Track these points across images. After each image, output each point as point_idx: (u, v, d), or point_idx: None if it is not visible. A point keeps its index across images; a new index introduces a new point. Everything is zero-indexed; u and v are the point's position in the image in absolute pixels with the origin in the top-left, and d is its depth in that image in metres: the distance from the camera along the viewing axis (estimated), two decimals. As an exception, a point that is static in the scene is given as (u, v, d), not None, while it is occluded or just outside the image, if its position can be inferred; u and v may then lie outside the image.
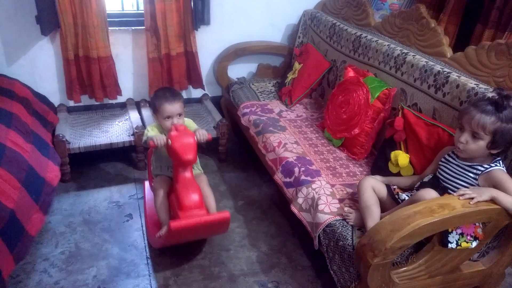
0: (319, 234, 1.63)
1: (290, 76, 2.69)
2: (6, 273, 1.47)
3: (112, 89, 2.58)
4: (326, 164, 1.97)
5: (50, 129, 2.29)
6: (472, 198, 1.31)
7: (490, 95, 1.52)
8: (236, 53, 2.83)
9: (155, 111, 1.79)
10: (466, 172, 1.45)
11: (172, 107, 1.74)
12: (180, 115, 1.78)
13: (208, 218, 1.61)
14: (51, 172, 1.92)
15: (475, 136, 1.39)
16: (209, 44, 2.80)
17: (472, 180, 1.44)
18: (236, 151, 2.82)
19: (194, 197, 1.64)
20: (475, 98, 1.58)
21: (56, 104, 2.58)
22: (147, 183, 2.20)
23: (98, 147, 2.33)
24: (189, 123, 1.87)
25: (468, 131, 1.40)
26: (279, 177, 1.99)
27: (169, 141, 1.63)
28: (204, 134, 1.74)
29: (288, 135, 2.20)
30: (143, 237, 2.00)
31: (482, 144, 1.38)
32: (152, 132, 1.79)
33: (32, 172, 1.78)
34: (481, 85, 1.62)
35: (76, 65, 2.45)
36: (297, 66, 2.67)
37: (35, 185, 1.76)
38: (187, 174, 1.68)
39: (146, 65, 2.61)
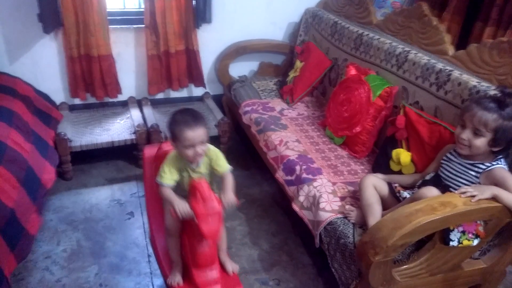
0: (320, 232, 1.63)
1: (291, 75, 2.69)
2: (8, 271, 1.47)
3: (113, 88, 2.59)
4: (328, 162, 1.97)
5: (54, 126, 2.29)
6: (474, 196, 1.31)
7: (492, 93, 1.52)
8: (238, 51, 2.83)
9: (174, 139, 1.45)
10: (468, 170, 1.45)
11: (195, 133, 1.41)
12: (203, 142, 1.45)
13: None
14: (47, 173, 1.93)
15: (476, 133, 1.39)
16: (210, 42, 2.80)
17: (474, 178, 1.43)
18: (238, 149, 2.82)
19: (210, 253, 1.47)
20: (477, 96, 1.58)
21: (57, 103, 2.58)
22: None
23: (100, 145, 2.34)
24: (217, 156, 1.55)
25: (469, 128, 1.40)
26: (280, 175, 1.99)
27: (194, 218, 1.38)
28: (231, 200, 1.46)
29: (289, 133, 2.20)
30: (145, 235, 2.01)
31: (483, 141, 1.38)
32: (169, 177, 1.48)
33: (31, 172, 1.79)
34: (483, 83, 1.61)
35: (78, 63, 2.45)
36: (298, 64, 2.67)
37: (32, 185, 1.77)
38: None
39: (146, 63, 2.62)
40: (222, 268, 1.56)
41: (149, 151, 1.80)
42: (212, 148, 1.55)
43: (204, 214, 1.36)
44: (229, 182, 1.51)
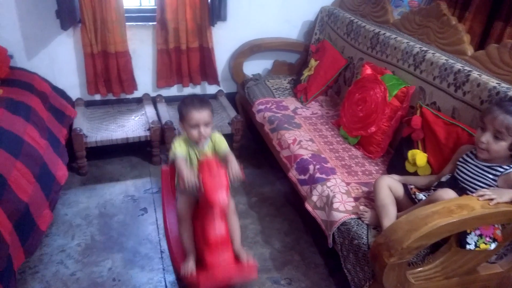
0: (333, 232, 1.62)
1: (305, 73, 2.68)
2: (16, 265, 1.49)
3: (129, 84, 2.61)
4: (342, 162, 1.96)
5: (67, 124, 2.32)
6: (492, 199, 1.28)
7: (512, 94, 1.50)
8: (252, 49, 2.83)
9: (182, 118, 1.64)
10: (485, 173, 1.42)
11: (200, 114, 1.58)
12: (207, 124, 1.62)
13: (237, 275, 1.53)
14: (60, 170, 1.95)
15: (497, 136, 1.36)
16: (225, 40, 2.80)
17: (491, 181, 1.41)
18: (250, 147, 2.82)
19: (221, 232, 1.51)
20: (496, 97, 1.55)
21: (73, 99, 2.62)
22: (166, 199, 1.98)
23: (115, 141, 2.36)
24: (220, 140, 1.70)
25: (490, 131, 1.37)
26: (293, 174, 1.98)
27: (200, 180, 1.47)
28: (237, 172, 1.54)
29: (303, 132, 2.19)
30: (158, 231, 2.02)
31: (504, 145, 1.36)
32: (179, 149, 1.63)
33: (46, 168, 1.81)
34: (503, 84, 1.58)
35: (95, 60, 2.48)
36: (313, 63, 2.65)
37: (47, 181, 1.79)
38: (216, 210, 1.54)
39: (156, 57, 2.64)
40: (237, 258, 1.58)
41: (166, 170, 2.00)
42: (217, 134, 1.70)
43: (212, 183, 1.44)
44: (233, 159, 1.60)
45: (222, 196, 1.44)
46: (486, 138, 1.38)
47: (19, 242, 1.53)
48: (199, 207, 1.63)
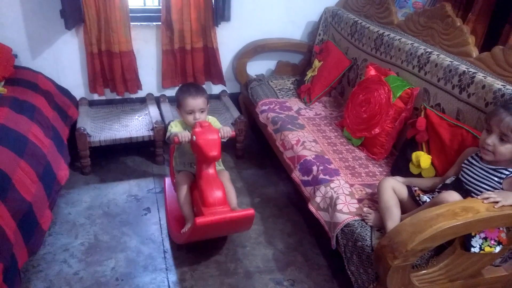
0: (337, 234, 1.62)
1: (309, 74, 2.67)
2: (20, 264, 1.49)
3: (133, 83, 2.62)
4: (345, 164, 1.96)
5: (69, 123, 2.32)
6: (497, 202, 1.28)
7: (518, 96, 1.49)
8: (256, 49, 2.82)
9: (179, 105, 1.80)
10: (490, 176, 1.42)
11: (195, 101, 1.75)
12: (202, 111, 1.78)
13: (233, 215, 1.60)
14: (62, 170, 1.96)
15: (503, 139, 1.35)
16: (229, 40, 2.80)
17: (496, 184, 1.40)
18: (254, 148, 2.81)
19: (218, 193, 1.64)
20: (501, 99, 1.54)
21: (78, 98, 2.62)
22: (167, 179, 2.23)
23: (118, 140, 2.36)
24: (213, 121, 1.87)
25: (496, 133, 1.37)
26: (297, 175, 1.98)
27: (194, 137, 1.64)
28: (228, 131, 1.75)
29: (306, 133, 2.18)
30: (161, 231, 2.02)
31: (509, 147, 1.35)
32: (175, 128, 1.81)
33: (49, 168, 1.82)
34: (508, 86, 1.57)
35: (98, 59, 2.48)
36: (316, 63, 2.65)
37: (49, 181, 1.79)
38: (211, 171, 1.69)
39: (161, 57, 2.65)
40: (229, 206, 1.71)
41: (168, 180, 2.21)
42: (211, 117, 1.88)
43: (204, 136, 1.62)
44: (226, 127, 1.78)
45: (214, 146, 1.61)
46: (492, 140, 1.37)
47: (23, 241, 1.53)
48: (196, 175, 1.79)
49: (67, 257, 1.84)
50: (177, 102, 1.82)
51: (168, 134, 1.80)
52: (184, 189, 1.80)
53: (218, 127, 1.80)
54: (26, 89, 2.13)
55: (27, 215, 1.56)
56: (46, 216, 1.71)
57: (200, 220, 1.54)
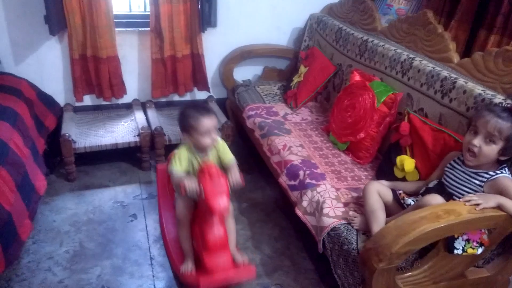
0: (323, 238, 1.63)
1: (295, 79, 2.70)
2: None
3: (119, 88, 2.60)
4: (331, 168, 1.97)
5: (45, 134, 2.27)
6: (478, 204, 1.31)
7: (497, 101, 1.53)
8: (242, 55, 2.84)
9: (190, 129, 1.59)
10: (471, 179, 1.45)
11: (211, 120, 1.59)
12: (216, 129, 1.64)
13: (236, 276, 1.61)
14: (39, 180, 1.93)
15: (489, 140, 1.39)
16: (215, 46, 2.81)
17: (477, 187, 1.43)
18: (241, 153, 2.81)
19: (220, 236, 1.56)
20: (482, 104, 1.58)
21: (62, 104, 2.59)
22: (162, 202, 2.08)
23: (104, 147, 2.34)
24: (224, 147, 1.71)
25: (482, 134, 1.40)
26: (283, 180, 1.99)
27: (200, 189, 1.50)
28: (237, 179, 1.60)
29: (293, 138, 2.20)
30: (147, 237, 2.01)
31: (495, 148, 1.38)
32: (179, 167, 1.61)
33: (27, 178, 1.79)
34: (488, 91, 1.62)
35: (83, 65, 2.46)
36: (302, 69, 2.67)
37: (27, 191, 1.77)
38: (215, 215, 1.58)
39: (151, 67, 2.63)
40: (233, 259, 1.64)
41: (162, 168, 2.04)
42: (221, 141, 1.70)
43: (212, 189, 1.48)
44: (235, 167, 1.66)
45: (222, 203, 1.48)
46: (478, 141, 1.40)
47: (1, 251, 1.50)
48: (198, 210, 1.66)
49: (52, 265, 1.81)
50: (185, 127, 1.61)
51: (170, 168, 1.62)
52: (185, 225, 1.68)
53: (228, 158, 1.69)
54: (9, 95, 2.10)
55: (6, 225, 1.53)
56: (25, 226, 1.68)
57: (204, 282, 1.53)
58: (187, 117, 1.60)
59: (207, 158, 1.66)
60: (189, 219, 1.69)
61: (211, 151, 1.67)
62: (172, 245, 1.85)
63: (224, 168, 1.68)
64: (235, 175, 1.61)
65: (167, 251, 1.89)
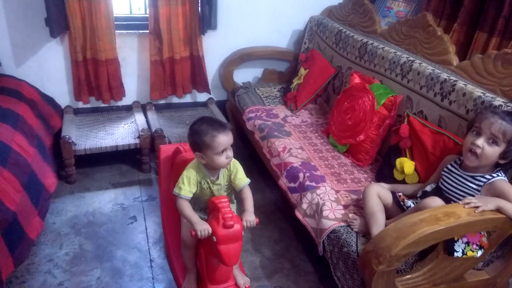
0: (323, 240, 1.63)
1: (295, 82, 2.70)
2: (5, 275, 1.47)
3: (118, 91, 2.61)
4: (331, 170, 1.98)
5: (51, 133, 2.30)
6: (478, 207, 1.31)
7: (496, 104, 1.53)
8: (242, 58, 2.85)
9: (203, 147, 1.43)
10: (468, 183, 1.45)
11: (228, 136, 1.44)
12: (232, 145, 1.49)
13: None
14: (49, 178, 1.94)
15: (492, 141, 1.39)
16: (215, 49, 2.82)
17: (474, 191, 1.43)
18: (241, 155, 2.81)
19: (226, 272, 1.54)
20: (481, 106, 1.58)
21: (62, 106, 2.60)
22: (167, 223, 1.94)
23: (104, 149, 2.34)
24: (237, 168, 1.56)
25: (486, 136, 1.40)
26: (283, 182, 1.99)
27: (214, 238, 1.39)
28: (252, 221, 1.46)
29: (293, 140, 2.20)
30: (147, 240, 2.01)
31: (497, 150, 1.38)
32: (187, 189, 1.47)
33: (33, 177, 1.80)
34: (487, 94, 1.62)
35: (84, 67, 2.47)
36: (302, 71, 2.68)
37: (35, 189, 1.77)
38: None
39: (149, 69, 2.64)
40: (234, 280, 1.62)
41: (165, 151, 1.86)
42: (236, 162, 1.55)
43: (226, 239, 1.36)
44: (249, 200, 1.53)
45: (234, 254, 1.38)
46: (481, 142, 1.40)
47: (8, 251, 1.51)
48: (206, 240, 1.50)
49: (51, 267, 1.81)
50: (199, 146, 1.44)
51: (177, 192, 1.48)
52: (190, 248, 1.59)
53: (243, 177, 1.56)
54: (9, 97, 2.10)
55: (12, 225, 1.54)
56: (33, 225, 1.68)
57: None
58: (200, 134, 1.42)
59: (218, 181, 1.54)
60: (195, 243, 1.59)
61: (222, 171, 1.54)
62: (174, 256, 1.83)
63: (235, 190, 1.60)
64: (250, 216, 1.47)
65: (171, 266, 1.85)
